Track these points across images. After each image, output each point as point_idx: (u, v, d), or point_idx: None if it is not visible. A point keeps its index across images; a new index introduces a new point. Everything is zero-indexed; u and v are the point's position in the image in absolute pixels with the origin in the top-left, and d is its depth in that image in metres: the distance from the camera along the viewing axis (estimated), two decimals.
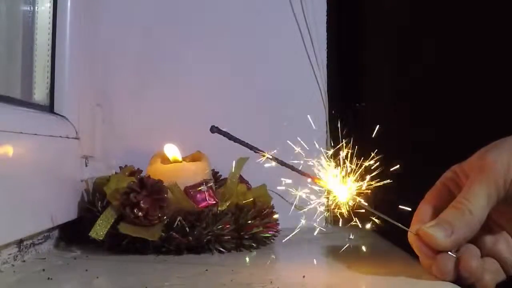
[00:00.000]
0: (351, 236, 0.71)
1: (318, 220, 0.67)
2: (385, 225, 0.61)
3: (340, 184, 0.62)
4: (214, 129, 0.60)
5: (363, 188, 0.62)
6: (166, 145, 0.82)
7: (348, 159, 0.63)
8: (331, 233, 0.86)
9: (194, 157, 0.82)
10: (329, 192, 0.63)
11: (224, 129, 0.61)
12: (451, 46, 0.90)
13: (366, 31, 0.99)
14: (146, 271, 0.64)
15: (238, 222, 0.75)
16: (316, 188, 0.63)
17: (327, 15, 0.95)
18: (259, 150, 0.61)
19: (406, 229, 0.60)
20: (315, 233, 0.67)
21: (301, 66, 0.94)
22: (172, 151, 0.81)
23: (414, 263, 0.63)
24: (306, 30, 0.94)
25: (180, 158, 0.81)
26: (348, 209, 0.62)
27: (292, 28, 0.94)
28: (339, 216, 0.63)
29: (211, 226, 0.73)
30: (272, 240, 0.79)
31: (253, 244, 0.76)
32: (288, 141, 0.65)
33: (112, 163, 0.89)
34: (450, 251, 0.57)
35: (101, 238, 0.72)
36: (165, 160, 0.82)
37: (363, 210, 0.62)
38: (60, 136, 0.75)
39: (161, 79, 0.93)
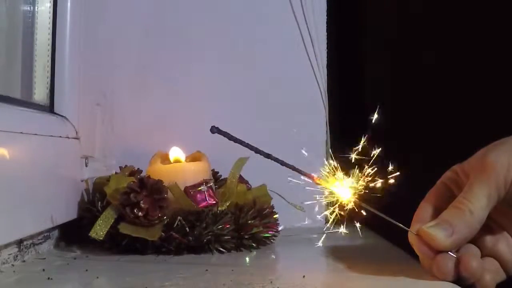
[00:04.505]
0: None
1: (318, 220, 0.67)
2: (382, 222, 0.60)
3: (341, 184, 0.62)
4: (214, 130, 0.60)
5: (364, 188, 0.62)
6: (172, 148, 0.81)
7: (350, 159, 0.63)
8: (331, 233, 0.86)
9: (194, 157, 0.82)
10: (330, 192, 0.63)
11: (224, 130, 0.61)
12: (452, 46, 0.90)
13: (366, 31, 0.99)
14: (146, 271, 0.64)
15: (238, 222, 0.75)
16: (317, 188, 0.63)
17: (327, 15, 0.95)
18: (259, 150, 0.61)
19: (407, 229, 0.60)
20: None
21: (301, 66, 0.94)
22: (176, 154, 0.81)
23: (414, 263, 0.63)
24: (306, 30, 0.94)
25: (183, 160, 0.81)
26: (349, 209, 0.62)
27: (292, 28, 0.94)
28: (340, 216, 0.63)
29: (211, 226, 0.73)
30: (272, 240, 0.79)
31: (253, 244, 0.76)
32: (287, 142, 0.65)
33: (112, 163, 0.89)
34: (450, 251, 0.57)
35: (101, 238, 0.72)
36: (165, 160, 0.82)
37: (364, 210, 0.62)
38: (60, 136, 0.75)
39: (161, 79, 0.93)
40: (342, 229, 0.63)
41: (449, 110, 0.89)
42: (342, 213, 0.62)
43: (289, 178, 0.64)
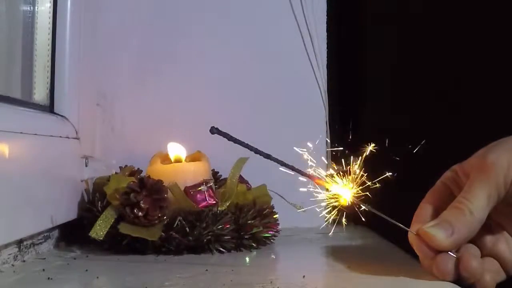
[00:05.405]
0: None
1: (318, 220, 0.67)
2: (382, 221, 0.60)
3: (341, 184, 0.62)
4: (214, 130, 0.60)
5: (364, 188, 0.62)
6: (169, 144, 0.82)
7: (349, 159, 0.63)
8: (331, 233, 0.86)
9: (194, 157, 0.82)
10: (330, 192, 0.63)
11: (224, 130, 0.61)
12: (452, 47, 0.90)
13: (366, 31, 0.99)
14: (146, 271, 0.64)
15: (238, 222, 0.75)
16: (317, 188, 0.63)
17: (327, 15, 0.95)
18: (259, 150, 0.61)
19: (407, 229, 0.60)
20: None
21: (301, 66, 0.94)
22: (175, 150, 0.81)
23: (414, 263, 0.63)
24: (306, 30, 0.94)
25: (183, 157, 0.81)
26: (348, 208, 0.62)
27: (292, 28, 0.94)
28: (340, 216, 0.63)
29: (211, 226, 0.73)
30: (272, 240, 0.79)
31: (253, 244, 0.76)
32: (287, 142, 0.65)
33: (112, 163, 0.89)
34: (450, 251, 0.57)
35: (101, 238, 0.72)
36: (165, 160, 0.82)
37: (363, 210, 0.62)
38: (60, 136, 0.75)
39: (161, 79, 0.93)
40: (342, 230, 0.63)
41: (449, 110, 0.89)
42: (341, 212, 0.62)
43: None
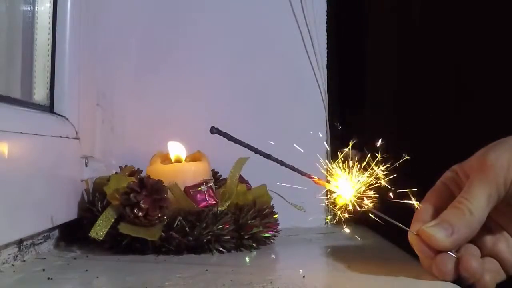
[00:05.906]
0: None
1: (318, 220, 0.67)
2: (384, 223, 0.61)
3: (341, 184, 0.62)
4: (214, 130, 0.60)
5: (365, 188, 0.62)
6: (169, 142, 0.82)
7: (349, 159, 0.63)
8: (331, 233, 0.86)
9: (194, 157, 0.82)
10: (329, 192, 0.63)
11: (224, 130, 0.61)
12: (452, 47, 0.90)
13: (366, 31, 0.99)
14: (146, 271, 0.64)
15: (238, 222, 0.75)
16: (317, 188, 0.63)
17: (327, 15, 0.95)
18: (259, 150, 0.61)
19: (407, 229, 0.60)
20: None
21: (301, 66, 0.94)
22: (175, 149, 0.81)
23: (414, 263, 0.63)
24: (306, 30, 0.94)
25: (183, 157, 0.81)
26: (349, 209, 0.62)
27: (292, 28, 0.94)
28: (340, 216, 0.63)
29: (211, 226, 0.73)
30: (272, 240, 0.79)
31: (253, 244, 0.76)
32: (287, 142, 0.65)
33: (112, 163, 0.89)
34: (450, 251, 0.57)
35: (101, 238, 0.72)
36: (165, 160, 0.82)
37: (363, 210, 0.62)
38: (60, 136, 0.75)
39: (161, 79, 0.93)
40: (343, 229, 0.63)
41: (450, 110, 0.89)
42: (341, 213, 0.62)
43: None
